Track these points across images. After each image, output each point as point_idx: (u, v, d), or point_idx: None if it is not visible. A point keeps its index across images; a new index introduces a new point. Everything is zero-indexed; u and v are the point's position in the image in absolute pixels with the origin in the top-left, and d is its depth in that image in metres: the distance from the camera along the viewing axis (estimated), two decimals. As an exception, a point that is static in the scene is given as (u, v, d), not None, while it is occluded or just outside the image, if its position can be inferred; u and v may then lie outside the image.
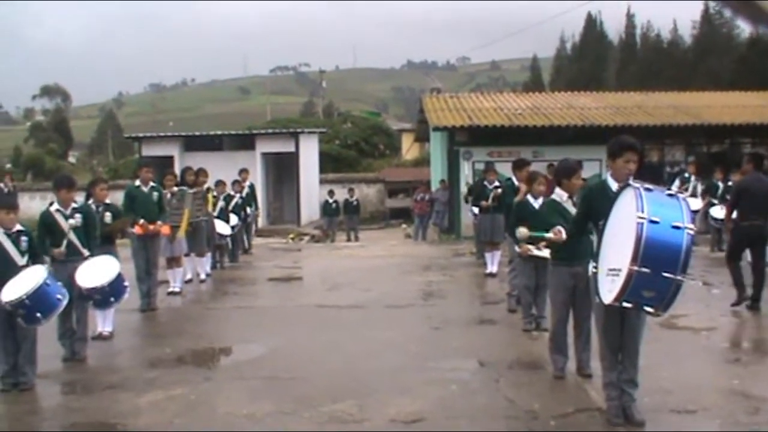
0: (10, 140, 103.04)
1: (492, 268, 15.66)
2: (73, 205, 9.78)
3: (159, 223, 12.78)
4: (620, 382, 6.70)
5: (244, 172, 20.49)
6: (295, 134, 33.54)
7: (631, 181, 6.19)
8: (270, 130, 38.74)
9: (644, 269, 5.55)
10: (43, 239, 9.37)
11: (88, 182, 12.42)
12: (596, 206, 6.67)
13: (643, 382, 6.85)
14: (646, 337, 6.87)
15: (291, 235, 28.96)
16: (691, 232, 5.66)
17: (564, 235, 7.37)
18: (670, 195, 5.93)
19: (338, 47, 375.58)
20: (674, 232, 5.63)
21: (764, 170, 11.90)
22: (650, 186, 5.95)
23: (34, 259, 8.66)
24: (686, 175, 20.37)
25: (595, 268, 6.33)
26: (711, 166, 20.58)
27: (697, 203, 17.61)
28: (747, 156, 12.63)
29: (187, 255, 14.90)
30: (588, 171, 19.33)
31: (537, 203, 9.84)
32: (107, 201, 11.55)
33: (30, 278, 8.26)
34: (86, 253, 9.63)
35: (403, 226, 32.33)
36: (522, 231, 8.75)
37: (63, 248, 9.41)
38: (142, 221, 12.44)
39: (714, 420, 7.03)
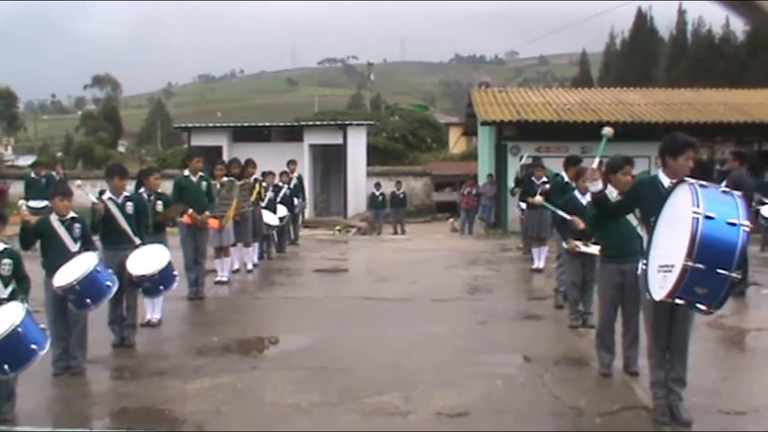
0: (62, 129, 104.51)
1: (539, 263, 15.60)
2: (125, 193, 9.91)
3: (207, 213, 12.88)
4: (668, 380, 6.66)
5: (291, 163, 20.57)
6: (343, 126, 33.51)
7: (684, 178, 6.13)
8: (318, 122, 38.78)
9: (699, 265, 5.48)
10: (95, 224, 9.50)
11: (138, 171, 12.57)
12: (647, 202, 6.60)
13: (691, 381, 6.80)
14: (693, 336, 6.82)
15: (338, 227, 29.01)
16: (747, 229, 5.59)
17: (581, 224, 7.26)
18: (725, 192, 5.87)
19: (386, 40, 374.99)
20: (730, 229, 5.56)
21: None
22: (704, 183, 5.89)
23: (87, 246, 8.80)
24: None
25: (645, 264, 6.27)
26: (762, 164, 20.29)
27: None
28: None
29: (234, 245, 14.99)
30: (637, 168, 19.11)
31: (585, 199, 9.78)
32: (159, 190, 11.68)
33: (81, 264, 8.39)
34: (138, 241, 9.74)
35: (450, 219, 32.17)
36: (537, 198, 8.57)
37: (100, 203, 9.54)
38: (191, 211, 12.54)
39: (764, 422, 6.96)
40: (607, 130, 7.26)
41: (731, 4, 2.00)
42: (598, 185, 7.02)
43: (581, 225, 7.25)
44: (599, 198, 7.06)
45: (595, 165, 7.10)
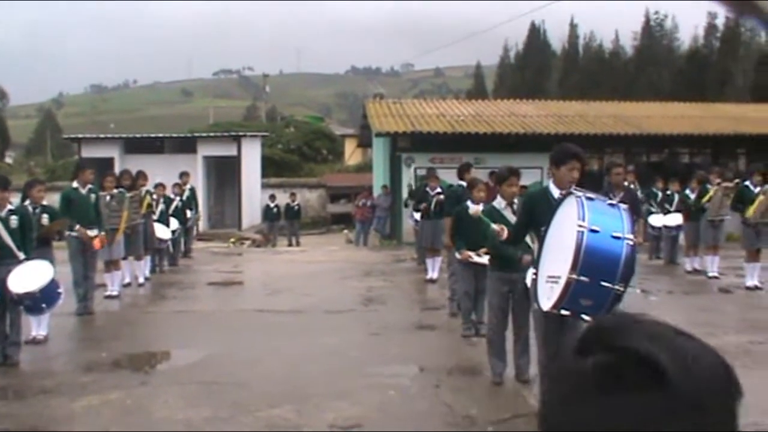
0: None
1: (433, 274, 15.71)
2: (9, 206, 9.61)
3: (95, 233, 12.57)
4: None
5: (184, 175, 20.31)
6: (237, 138, 33.30)
7: (573, 190, 6.22)
8: (212, 134, 38.45)
9: (583, 278, 5.56)
10: None
11: (24, 183, 12.24)
12: (537, 213, 6.69)
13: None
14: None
15: (232, 240, 28.79)
16: (631, 242, 5.68)
17: (505, 234, 7.36)
18: (611, 204, 5.96)
19: (282, 52, 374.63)
20: (614, 242, 5.64)
21: None
22: (592, 195, 5.97)
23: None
24: (626, 183, 20.59)
25: (535, 274, 6.34)
26: (650, 175, 20.87)
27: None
28: None
29: (125, 258, 14.71)
30: (529, 178, 19.46)
31: (472, 208, 9.87)
32: (44, 203, 11.39)
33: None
34: (21, 255, 9.45)
35: (345, 231, 32.25)
36: (474, 207, 8.71)
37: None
38: (78, 227, 12.22)
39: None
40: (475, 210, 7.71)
41: (731, 4, 2.01)
42: (504, 234, 7.25)
43: (505, 234, 7.29)
44: (503, 245, 7.32)
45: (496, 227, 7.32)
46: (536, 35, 62.52)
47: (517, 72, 61.75)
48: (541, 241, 6.42)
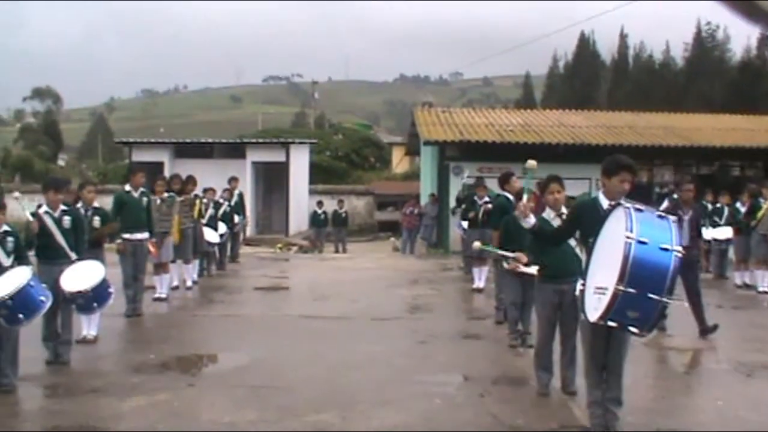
0: (0, 141, 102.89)
1: (479, 283, 15.67)
2: (62, 207, 9.76)
3: (146, 236, 12.77)
4: (605, 400, 6.69)
5: (233, 180, 20.48)
6: (286, 144, 33.47)
7: (622, 201, 6.20)
8: (261, 140, 38.69)
9: (630, 290, 5.53)
10: (30, 239, 9.32)
11: (78, 185, 12.40)
12: (586, 223, 6.65)
13: (628, 401, 6.83)
14: (631, 356, 6.87)
15: (279, 245, 28.92)
16: (679, 254, 5.65)
17: (524, 260, 7.34)
18: (660, 216, 5.93)
19: (332, 59, 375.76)
20: (662, 254, 5.61)
21: None
22: (641, 206, 5.94)
23: (20, 260, 8.64)
24: (675, 196, 20.42)
25: (583, 285, 6.31)
26: (700, 187, 20.65)
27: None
28: None
29: (173, 262, 14.86)
30: (577, 189, 19.41)
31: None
32: (96, 205, 11.55)
33: (14, 279, 8.23)
34: (74, 256, 9.60)
35: (392, 239, 32.26)
36: (476, 244, 8.70)
37: (35, 221, 9.39)
38: (119, 241, 12.37)
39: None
40: (530, 163, 7.38)
41: (731, 4, 2.01)
42: (530, 220, 7.12)
43: (524, 260, 7.29)
44: (535, 231, 7.18)
45: (524, 200, 7.21)
46: (586, 45, 62.24)
47: (566, 82, 61.59)
48: (589, 252, 6.40)
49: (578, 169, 21.44)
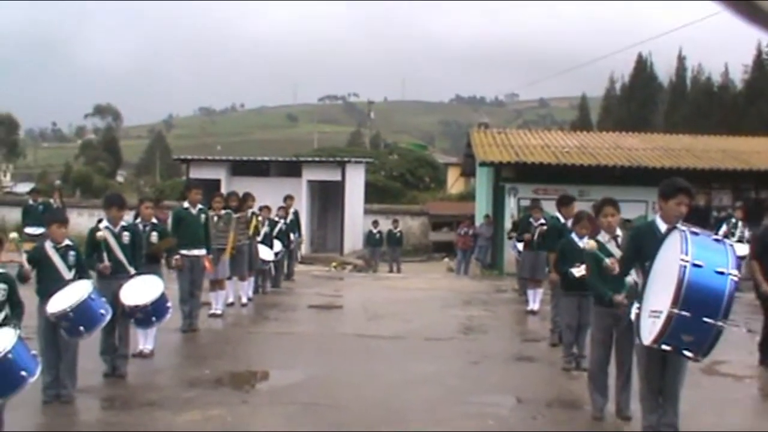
0: (62, 157, 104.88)
1: (534, 305, 15.58)
2: (122, 223, 9.93)
3: (204, 252, 12.96)
4: (660, 425, 6.63)
5: (289, 198, 20.62)
6: (342, 163, 33.61)
7: (678, 224, 6.16)
8: (317, 158, 38.91)
9: (684, 313, 5.49)
10: (90, 254, 9.50)
11: (138, 201, 12.61)
12: (644, 247, 6.63)
13: (684, 427, 6.77)
14: (687, 382, 6.80)
15: (334, 264, 29.00)
16: (735, 278, 5.60)
17: (617, 269, 7.30)
18: (717, 240, 5.89)
19: (387, 79, 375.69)
20: (718, 278, 5.57)
21: None
22: (697, 230, 5.90)
23: (81, 274, 8.80)
24: (733, 220, 20.18)
25: (639, 309, 6.28)
26: (759, 211, 20.35)
27: (743, 249, 17.41)
28: None
29: (229, 278, 14.99)
30: (634, 212, 19.24)
31: (582, 242, 9.78)
32: (153, 220, 11.74)
33: (75, 292, 8.39)
34: (132, 270, 9.75)
35: (446, 259, 32.19)
36: (591, 243, 8.61)
37: (107, 263, 9.52)
38: (176, 257, 12.44)
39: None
40: (591, 244, 7.72)
41: (731, 4, 2.01)
42: (617, 268, 7.26)
43: (617, 269, 7.25)
44: (598, 282, 7.70)
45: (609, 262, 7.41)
46: (643, 67, 61.71)
47: (623, 104, 61.12)
48: (645, 275, 6.37)
49: (635, 192, 21.31)
